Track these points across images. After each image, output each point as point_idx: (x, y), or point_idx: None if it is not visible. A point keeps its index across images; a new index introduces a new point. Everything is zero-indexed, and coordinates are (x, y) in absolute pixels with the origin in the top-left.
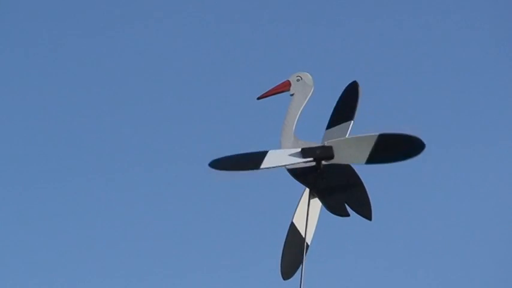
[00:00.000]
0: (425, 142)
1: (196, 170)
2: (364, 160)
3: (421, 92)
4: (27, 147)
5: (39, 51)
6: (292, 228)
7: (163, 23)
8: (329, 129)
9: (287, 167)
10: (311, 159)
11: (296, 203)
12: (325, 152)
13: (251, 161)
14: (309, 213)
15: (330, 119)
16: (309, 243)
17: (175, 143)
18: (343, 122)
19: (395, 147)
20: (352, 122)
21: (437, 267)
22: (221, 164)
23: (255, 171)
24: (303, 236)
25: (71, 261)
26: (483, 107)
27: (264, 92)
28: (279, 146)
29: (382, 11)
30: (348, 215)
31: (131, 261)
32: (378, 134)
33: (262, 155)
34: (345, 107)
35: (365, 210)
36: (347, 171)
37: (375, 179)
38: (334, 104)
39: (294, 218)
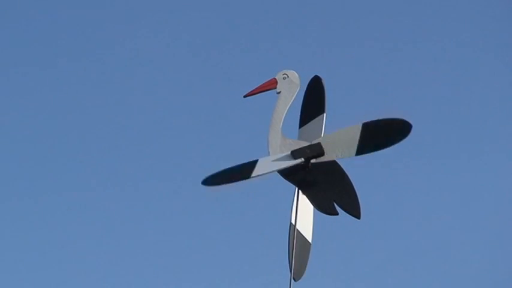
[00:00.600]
0: (411, 123)
1: (185, 169)
2: (354, 152)
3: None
4: (25, 149)
5: (38, 51)
6: (293, 229)
7: (151, 19)
8: (303, 127)
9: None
10: (302, 159)
11: (290, 203)
12: (315, 149)
13: (242, 171)
14: (304, 211)
15: (301, 116)
16: (310, 242)
17: (161, 141)
18: (315, 117)
19: (381, 134)
20: (325, 114)
21: (427, 265)
22: (213, 180)
23: (247, 180)
24: (304, 236)
25: (71, 262)
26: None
27: (251, 90)
28: (266, 144)
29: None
30: (336, 213)
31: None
32: (361, 123)
33: (252, 164)
34: (313, 102)
35: (353, 209)
36: (334, 169)
37: (363, 175)
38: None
39: (292, 218)
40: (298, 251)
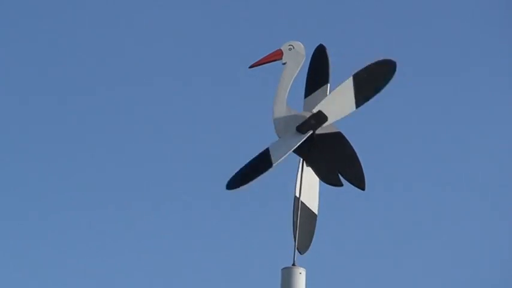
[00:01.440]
0: (394, 60)
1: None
2: (354, 105)
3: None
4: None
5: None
6: (297, 202)
7: None
8: (308, 97)
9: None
10: (311, 131)
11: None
12: (318, 118)
13: (261, 164)
14: (310, 183)
15: (306, 87)
16: (316, 214)
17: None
18: (319, 87)
19: (372, 78)
20: (329, 84)
21: (432, 235)
22: (236, 182)
23: (269, 170)
24: (309, 208)
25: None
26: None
27: (256, 60)
28: (271, 115)
29: None
30: (341, 184)
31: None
32: (351, 76)
33: (266, 154)
34: (318, 72)
35: (358, 180)
36: (339, 140)
37: (368, 147)
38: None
39: (296, 191)
40: (303, 223)
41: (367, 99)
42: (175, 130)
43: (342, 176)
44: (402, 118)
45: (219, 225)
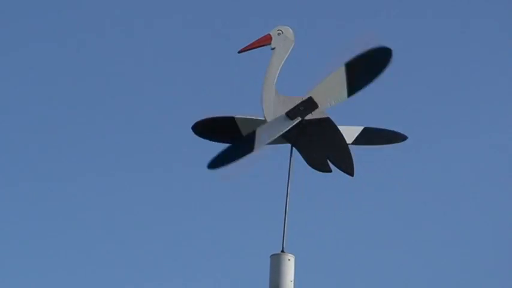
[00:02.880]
0: (390, 48)
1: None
2: (346, 94)
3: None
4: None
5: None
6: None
7: None
8: None
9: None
10: (299, 119)
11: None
12: (308, 105)
13: (244, 146)
14: None
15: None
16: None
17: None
18: None
19: (365, 68)
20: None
21: (421, 222)
22: (217, 162)
23: (252, 153)
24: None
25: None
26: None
27: (245, 45)
28: (259, 100)
29: None
30: (329, 170)
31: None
32: (343, 64)
33: (251, 136)
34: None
35: (347, 166)
36: (328, 126)
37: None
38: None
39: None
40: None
41: (359, 88)
42: (161, 118)
43: (331, 162)
44: (395, 105)
45: (206, 212)
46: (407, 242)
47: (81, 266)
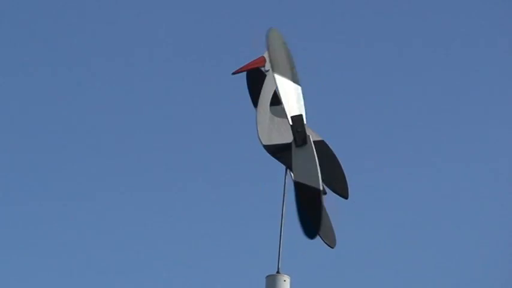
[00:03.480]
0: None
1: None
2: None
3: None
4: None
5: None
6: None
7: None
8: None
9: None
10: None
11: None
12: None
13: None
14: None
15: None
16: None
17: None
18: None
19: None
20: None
21: (415, 245)
22: (311, 227)
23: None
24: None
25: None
26: None
27: (239, 67)
28: (255, 121)
29: None
30: (324, 193)
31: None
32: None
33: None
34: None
35: (341, 188)
36: (323, 149)
37: (351, 155)
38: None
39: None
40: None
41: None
42: (163, 129)
43: (325, 184)
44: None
45: (202, 233)
46: (403, 264)
47: (81, 266)
